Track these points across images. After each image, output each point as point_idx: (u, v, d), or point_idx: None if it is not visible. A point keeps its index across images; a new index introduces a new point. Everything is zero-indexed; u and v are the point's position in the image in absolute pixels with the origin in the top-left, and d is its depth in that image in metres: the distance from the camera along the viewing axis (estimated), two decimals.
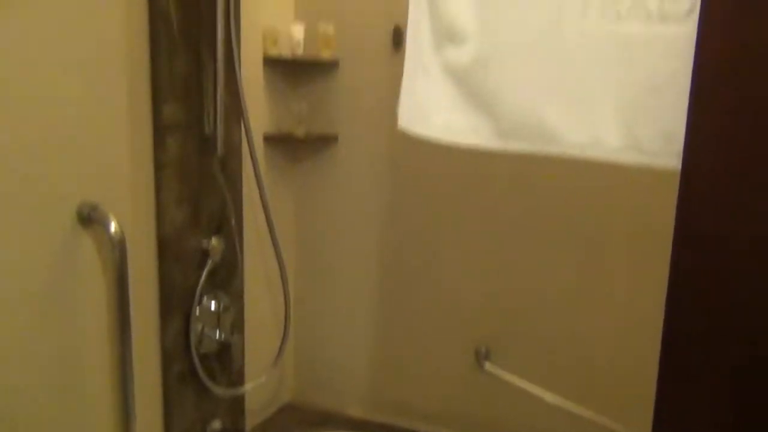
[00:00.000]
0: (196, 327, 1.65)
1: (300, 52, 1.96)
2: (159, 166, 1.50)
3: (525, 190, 1.82)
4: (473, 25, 1.12)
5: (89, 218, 1.22)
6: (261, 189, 1.74)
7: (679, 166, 0.80)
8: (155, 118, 1.47)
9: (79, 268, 1.25)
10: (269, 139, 1.98)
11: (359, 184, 2.05)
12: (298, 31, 1.93)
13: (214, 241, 1.68)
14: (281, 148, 2.05)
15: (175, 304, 1.59)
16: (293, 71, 2.04)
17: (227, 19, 1.57)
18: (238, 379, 1.85)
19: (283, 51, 1.95)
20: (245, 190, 1.81)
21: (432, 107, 1.19)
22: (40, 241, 1.17)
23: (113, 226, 1.23)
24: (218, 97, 1.61)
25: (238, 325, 1.82)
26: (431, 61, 1.17)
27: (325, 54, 1.97)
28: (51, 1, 1.16)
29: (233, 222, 1.76)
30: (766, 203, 0.72)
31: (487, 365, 1.88)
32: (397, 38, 1.89)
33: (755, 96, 0.72)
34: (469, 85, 1.14)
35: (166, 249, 1.54)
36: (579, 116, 1.09)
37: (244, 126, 1.68)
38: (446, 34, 1.15)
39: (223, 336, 1.72)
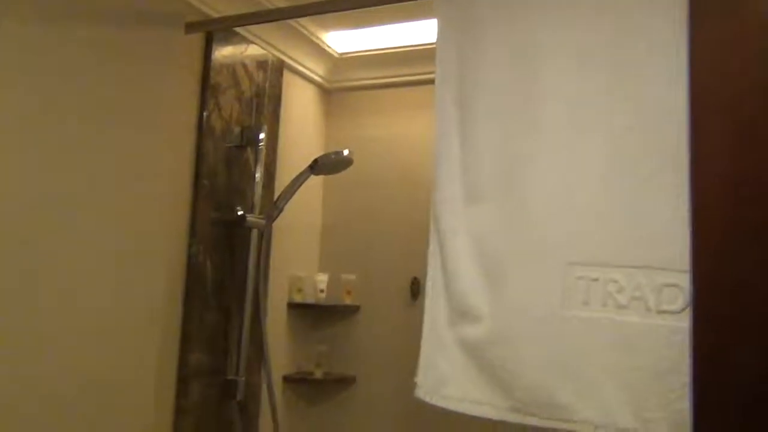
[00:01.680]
0: None
1: (323, 297, 2.08)
2: (179, 412, 1.53)
3: None
4: (484, 305, 1.21)
5: None
6: None
7: None
8: (180, 365, 1.55)
9: None
10: (289, 380, 2.02)
11: (376, 426, 2.04)
12: (322, 281, 2.08)
13: None
14: (300, 389, 2.08)
15: None
16: (316, 315, 2.15)
17: (257, 273, 1.71)
18: None
19: (308, 297, 2.07)
20: None
21: (449, 380, 1.24)
22: None
23: None
24: (242, 345, 1.69)
25: None
26: (447, 336, 1.25)
27: (347, 300, 2.09)
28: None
29: None
30: None
31: None
32: (415, 289, 2.01)
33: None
34: (483, 361, 1.20)
35: None
36: (589, 396, 1.13)
37: (265, 373, 1.73)
38: (460, 311, 1.25)
39: None
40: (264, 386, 1.78)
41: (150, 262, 1.44)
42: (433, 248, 1.30)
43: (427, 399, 1.26)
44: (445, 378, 1.26)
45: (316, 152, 1.84)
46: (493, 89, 1.22)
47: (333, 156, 1.68)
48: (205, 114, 1.61)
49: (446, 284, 1.28)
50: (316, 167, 1.66)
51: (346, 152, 1.68)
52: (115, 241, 1.33)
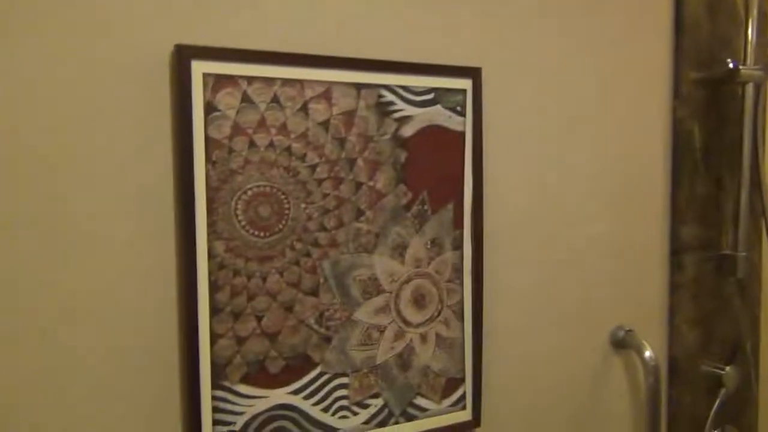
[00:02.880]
0: None
1: None
2: (674, 288, 1.46)
3: None
4: None
5: (622, 342, 1.27)
6: None
7: None
8: (672, 238, 1.46)
9: (610, 390, 1.29)
10: None
11: None
12: None
13: (729, 369, 1.54)
14: None
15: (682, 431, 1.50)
16: None
17: (753, 135, 1.48)
18: None
19: None
20: (763, 316, 1.61)
21: None
22: (579, 362, 1.25)
23: (647, 352, 1.24)
24: (740, 218, 1.51)
25: None
26: None
27: None
28: None
29: (749, 350, 1.58)
30: None
31: None
32: None
33: None
34: None
35: (676, 372, 1.47)
36: None
37: None
38: None
39: None
40: (765, 265, 1.57)
41: (633, 128, 1.36)
42: None
43: None
44: None
45: None
46: None
47: None
48: None
49: None
50: None
51: None
52: (596, 108, 1.27)
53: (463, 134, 1.05)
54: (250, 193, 0.87)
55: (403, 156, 1.00)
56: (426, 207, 1.02)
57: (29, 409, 0.78)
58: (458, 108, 1.05)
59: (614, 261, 1.29)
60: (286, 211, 0.90)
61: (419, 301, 1.02)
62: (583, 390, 1.25)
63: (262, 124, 0.88)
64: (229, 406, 0.88)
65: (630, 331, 1.28)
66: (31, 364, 0.78)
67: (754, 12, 1.49)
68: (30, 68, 0.77)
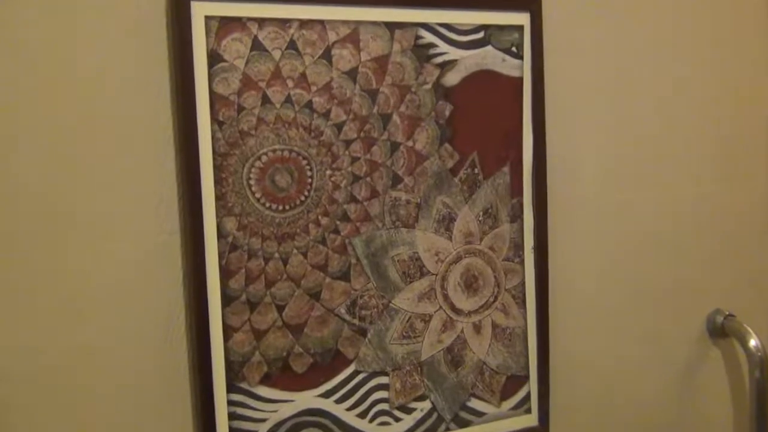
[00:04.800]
0: None
1: None
2: None
3: None
4: None
5: (722, 329, 1.14)
6: None
7: None
8: None
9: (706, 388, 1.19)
10: None
11: None
12: None
13: None
14: None
15: None
16: None
17: None
18: None
19: None
20: None
21: None
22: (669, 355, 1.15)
23: (753, 341, 1.10)
24: None
25: None
26: None
27: None
28: None
29: None
30: None
31: None
32: None
33: None
34: None
35: None
36: None
37: None
38: None
39: None
40: None
41: (736, 81, 1.17)
42: None
43: None
44: None
45: None
46: None
47: None
48: None
49: None
50: None
51: None
52: (688, 52, 1.12)
53: (520, 81, 0.97)
54: (264, 158, 0.82)
55: (447, 109, 0.93)
56: (477, 171, 0.95)
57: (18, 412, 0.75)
58: (514, 49, 0.97)
59: (711, 233, 1.17)
60: (309, 180, 0.85)
61: (471, 284, 0.96)
62: (674, 388, 1.16)
63: (276, 75, 0.82)
64: (248, 412, 0.83)
65: (731, 316, 1.16)
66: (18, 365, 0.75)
67: None
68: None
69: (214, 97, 0.78)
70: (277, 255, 0.83)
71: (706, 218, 1.17)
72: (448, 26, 0.91)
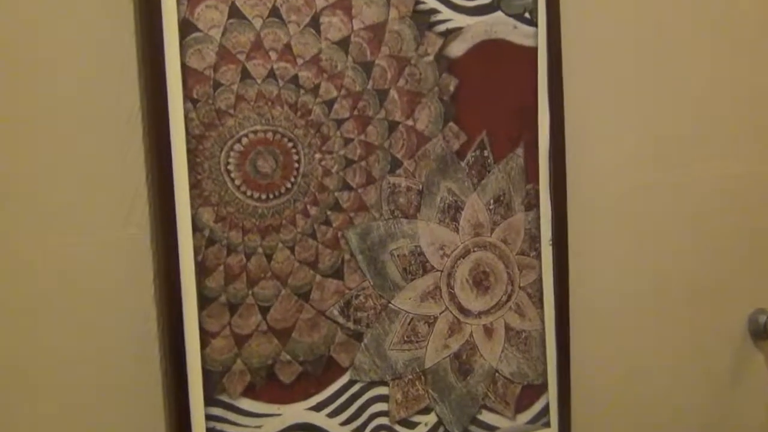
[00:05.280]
0: None
1: None
2: None
3: None
4: None
5: (764, 329, 1.10)
6: None
7: None
8: None
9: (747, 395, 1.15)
10: None
11: None
12: None
13: None
14: None
15: None
16: None
17: None
18: None
19: None
20: None
21: None
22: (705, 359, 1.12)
23: None
24: None
25: None
26: None
27: None
28: None
29: None
30: None
31: None
32: None
33: None
34: None
35: None
36: None
37: None
38: None
39: None
40: None
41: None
42: None
43: None
44: None
45: None
46: None
47: None
48: None
49: None
50: None
51: None
52: (720, 18, 1.07)
53: (534, 51, 0.93)
54: (245, 141, 0.78)
55: (452, 84, 0.89)
56: (486, 153, 0.92)
57: None
58: (527, 15, 0.93)
59: (752, 222, 1.13)
60: (295, 165, 0.81)
61: (481, 281, 0.94)
62: (712, 398, 1.13)
63: (257, 46, 0.78)
64: (229, 428, 0.79)
65: None
66: None
67: None
68: None
69: (186, 71, 0.74)
70: (260, 250, 0.80)
71: (745, 204, 1.12)
72: None
